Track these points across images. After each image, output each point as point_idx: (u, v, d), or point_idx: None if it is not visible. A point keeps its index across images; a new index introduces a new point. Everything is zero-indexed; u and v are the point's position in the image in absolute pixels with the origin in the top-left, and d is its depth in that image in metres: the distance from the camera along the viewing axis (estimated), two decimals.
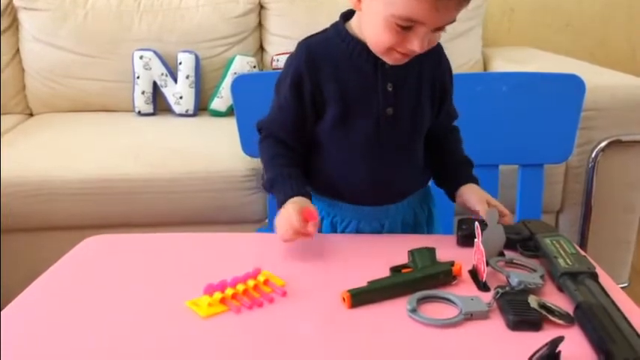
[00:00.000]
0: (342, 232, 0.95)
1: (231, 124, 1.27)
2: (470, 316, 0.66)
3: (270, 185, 0.90)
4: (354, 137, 0.88)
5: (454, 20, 0.79)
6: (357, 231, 0.94)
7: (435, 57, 0.91)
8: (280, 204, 0.86)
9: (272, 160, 0.91)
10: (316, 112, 0.88)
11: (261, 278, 0.75)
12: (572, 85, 1.20)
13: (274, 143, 0.91)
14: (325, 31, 0.90)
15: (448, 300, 0.69)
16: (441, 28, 0.79)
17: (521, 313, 0.64)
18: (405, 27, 0.76)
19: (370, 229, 0.94)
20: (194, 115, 1.97)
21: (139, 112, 1.96)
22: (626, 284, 1.64)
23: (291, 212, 0.81)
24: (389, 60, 0.83)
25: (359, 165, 0.89)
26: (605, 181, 1.53)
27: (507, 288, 0.69)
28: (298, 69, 0.87)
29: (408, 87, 0.88)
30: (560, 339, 0.55)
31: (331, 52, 0.87)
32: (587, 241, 1.57)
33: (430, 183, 1.01)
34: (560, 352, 0.55)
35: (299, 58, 0.88)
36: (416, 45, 0.77)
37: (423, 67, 0.89)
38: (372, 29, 0.81)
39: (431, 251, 0.78)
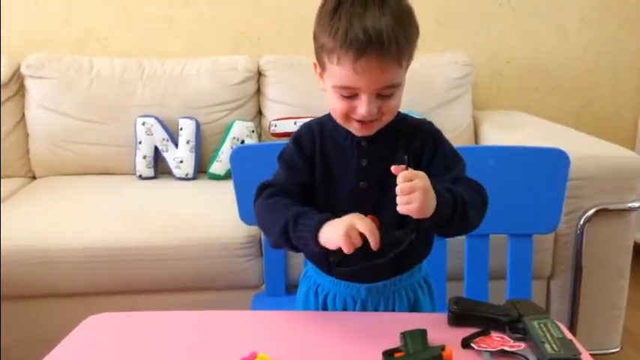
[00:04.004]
0: (324, 299, 0.99)
1: (229, 188, 1.33)
2: None
3: (294, 221, 0.84)
4: (334, 209, 0.91)
5: (397, 84, 0.84)
6: (334, 302, 0.98)
7: (410, 132, 0.93)
8: (316, 227, 0.82)
9: (287, 205, 0.88)
10: (311, 176, 0.94)
11: None
12: (557, 158, 1.25)
13: (283, 197, 0.90)
14: (323, 116, 0.98)
15: None
16: (384, 93, 0.84)
17: None
18: (349, 96, 0.84)
19: (341, 305, 0.97)
20: (193, 178, 2.02)
21: (140, 175, 2.01)
22: (618, 349, 1.65)
23: (350, 218, 0.80)
24: (353, 130, 0.90)
25: None
26: (594, 248, 1.56)
27: None
28: (299, 136, 0.96)
29: (382, 163, 0.89)
30: None
31: (322, 133, 0.95)
32: (578, 306, 1.59)
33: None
34: None
35: (300, 130, 0.98)
36: (363, 110, 0.84)
37: (398, 143, 0.93)
38: (330, 102, 0.89)
39: (423, 333, 0.81)
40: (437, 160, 0.93)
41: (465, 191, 0.87)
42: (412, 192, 0.78)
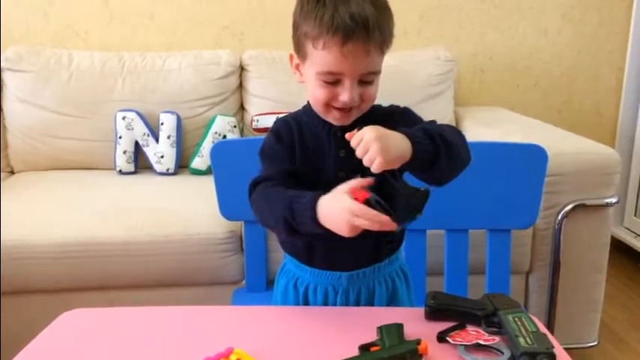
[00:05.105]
0: (304, 292, 0.99)
1: (210, 183, 1.32)
2: None
3: (289, 209, 0.83)
4: None
5: (377, 70, 0.88)
6: (315, 293, 0.99)
7: (382, 120, 0.89)
8: (311, 214, 0.81)
9: (276, 193, 0.87)
10: (294, 165, 0.94)
11: (233, 358, 0.77)
12: (535, 154, 1.26)
13: (273, 184, 0.90)
14: (297, 111, 1.00)
15: None
16: (366, 79, 0.87)
17: None
18: (332, 82, 0.87)
19: (322, 296, 0.98)
20: (175, 173, 2.00)
21: (120, 170, 1.99)
22: (595, 342, 1.68)
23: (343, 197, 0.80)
24: (332, 120, 0.92)
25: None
26: (572, 243, 1.58)
27: None
28: (278, 128, 0.97)
29: None
30: None
31: (300, 126, 0.96)
32: (556, 301, 1.61)
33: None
34: None
35: (277, 124, 0.98)
36: (345, 96, 0.86)
37: None
38: (310, 91, 0.91)
39: (399, 327, 0.82)
40: (408, 122, 0.94)
41: (439, 127, 0.89)
42: (368, 148, 0.78)
